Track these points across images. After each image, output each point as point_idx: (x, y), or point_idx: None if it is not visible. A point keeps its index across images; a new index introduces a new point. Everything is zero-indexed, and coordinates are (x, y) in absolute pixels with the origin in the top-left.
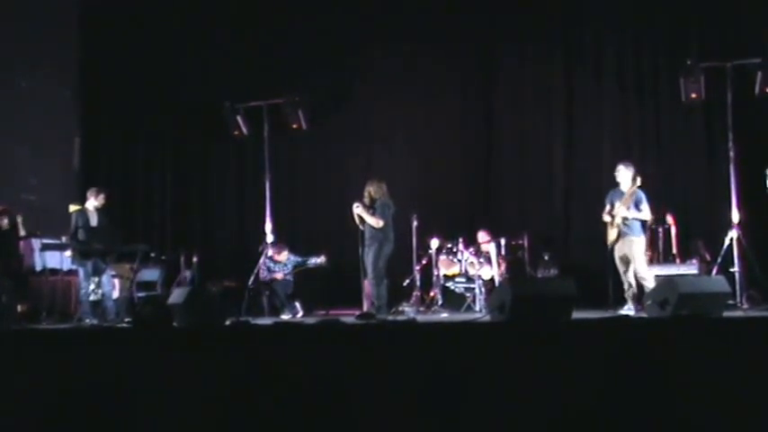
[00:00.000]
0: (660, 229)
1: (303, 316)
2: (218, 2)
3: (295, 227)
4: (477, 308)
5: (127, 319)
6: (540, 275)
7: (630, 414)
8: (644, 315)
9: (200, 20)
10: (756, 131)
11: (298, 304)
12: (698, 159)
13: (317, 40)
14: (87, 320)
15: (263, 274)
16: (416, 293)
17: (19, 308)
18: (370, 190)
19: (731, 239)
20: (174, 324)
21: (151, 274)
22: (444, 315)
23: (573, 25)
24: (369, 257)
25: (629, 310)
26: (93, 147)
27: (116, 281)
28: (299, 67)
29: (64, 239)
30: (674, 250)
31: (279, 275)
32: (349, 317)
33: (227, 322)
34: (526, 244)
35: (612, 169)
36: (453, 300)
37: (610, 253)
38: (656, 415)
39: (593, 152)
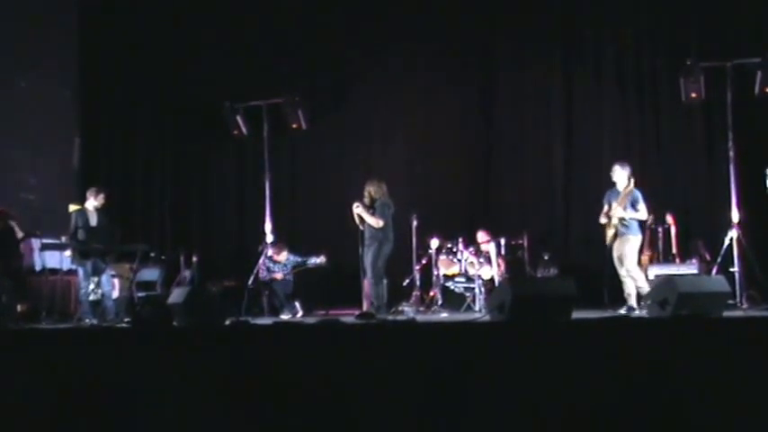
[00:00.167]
0: (660, 229)
1: (303, 316)
2: (218, 2)
3: (295, 227)
4: (477, 308)
5: (126, 319)
6: (539, 275)
7: (630, 414)
8: (643, 315)
9: (200, 20)
10: (756, 131)
11: (297, 304)
12: (698, 159)
13: (317, 40)
14: (87, 320)
15: (263, 274)
16: (416, 293)
17: (18, 307)
18: (371, 190)
19: (731, 239)
20: (174, 324)
21: (151, 273)
22: (444, 315)
23: (573, 25)
24: (368, 257)
25: (628, 309)
26: (93, 147)
27: (116, 281)
28: (299, 67)
29: (63, 239)
30: (674, 250)
31: (278, 275)
32: (349, 317)
33: (227, 322)
34: (526, 244)
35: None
36: (453, 300)
37: (608, 252)
38: (656, 415)
39: (592, 152)
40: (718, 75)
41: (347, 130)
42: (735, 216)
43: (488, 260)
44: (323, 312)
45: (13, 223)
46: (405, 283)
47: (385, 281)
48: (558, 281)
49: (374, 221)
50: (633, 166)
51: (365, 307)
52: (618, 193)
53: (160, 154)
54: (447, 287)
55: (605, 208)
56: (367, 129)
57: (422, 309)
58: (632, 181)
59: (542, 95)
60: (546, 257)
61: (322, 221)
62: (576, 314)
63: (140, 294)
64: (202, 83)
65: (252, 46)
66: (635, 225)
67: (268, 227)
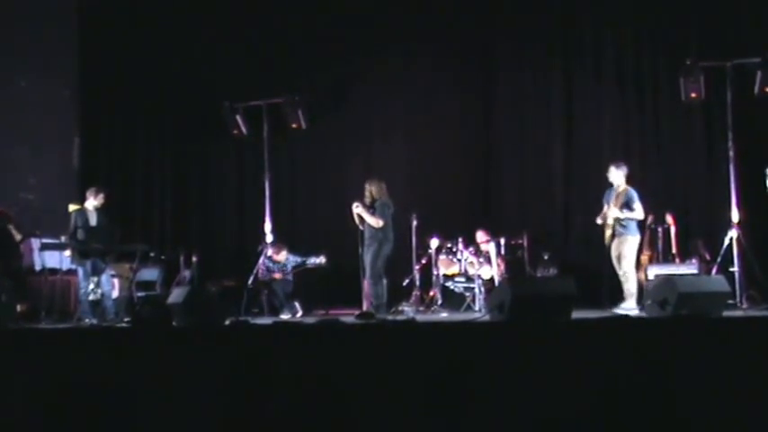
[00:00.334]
0: (660, 229)
1: (302, 316)
2: (218, 2)
3: (295, 227)
4: (477, 307)
5: (126, 319)
6: (539, 275)
7: (630, 414)
8: (643, 314)
9: (199, 20)
10: (756, 131)
11: (297, 304)
12: (698, 159)
13: (317, 40)
14: (86, 320)
15: (263, 274)
16: (416, 293)
17: (18, 307)
18: (372, 189)
19: (731, 239)
20: (174, 324)
21: (150, 273)
22: (444, 315)
23: (573, 25)
24: (368, 257)
25: (628, 309)
26: (93, 147)
27: (115, 280)
28: (298, 67)
29: (63, 239)
30: (674, 250)
31: (278, 275)
32: (348, 316)
33: (227, 322)
34: (525, 243)
35: None
36: (453, 299)
37: (608, 252)
38: (655, 415)
39: (592, 152)
40: (718, 74)
41: (347, 130)
42: (735, 216)
43: (488, 260)
44: (323, 312)
45: (10, 226)
46: (404, 283)
47: (385, 281)
48: (558, 280)
49: (374, 221)
50: (633, 165)
51: (365, 307)
52: (617, 193)
53: (160, 154)
54: (447, 287)
55: (604, 208)
56: (367, 129)
57: (422, 309)
58: (624, 180)
59: (542, 95)
60: (546, 257)
61: (322, 221)
62: (576, 314)
63: (140, 294)
64: (202, 83)
65: (252, 46)
66: (632, 225)
67: (268, 227)
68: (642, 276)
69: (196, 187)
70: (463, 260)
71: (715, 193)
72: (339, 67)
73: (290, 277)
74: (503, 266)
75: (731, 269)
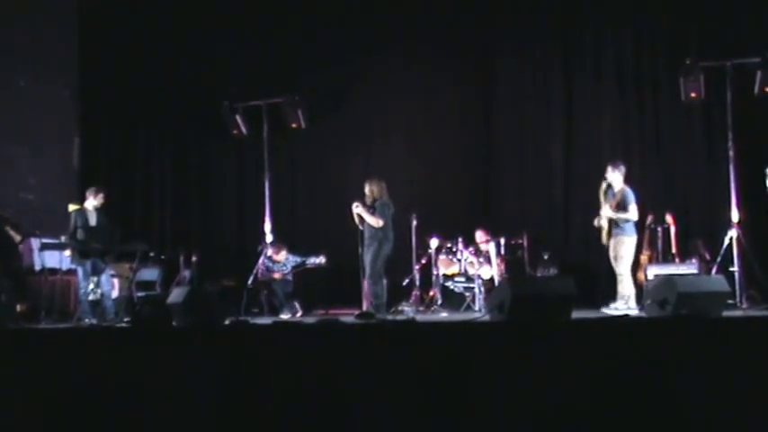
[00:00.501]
0: (659, 229)
1: (302, 315)
2: (217, 2)
3: (294, 227)
4: (477, 307)
5: (126, 319)
6: (539, 275)
7: (630, 414)
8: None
9: (199, 19)
10: (756, 131)
11: (297, 304)
12: (698, 159)
13: (317, 40)
14: (86, 320)
15: (262, 274)
16: (416, 293)
17: (18, 307)
18: (371, 189)
19: (731, 239)
20: (174, 323)
21: (150, 273)
22: (444, 314)
23: (573, 25)
24: (368, 257)
25: (628, 309)
26: (93, 147)
27: (115, 280)
28: (298, 67)
29: (63, 239)
30: (674, 250)
31: (277, 275)
32: (348, 316)
33: (227, 322)
34: (525, 243)
35: None
36: (453, 299)
37: (607, 252)
38: (655, 415)
39: (592, 152)
40: (717, 74)
41: (347, 130)
42: (734, 216)
43: (488, 260)
44: (322, 312)
45: (7, 227)
46: (404, 283)
47: (384, 280)
48: (558, 280)
49: (374, 221)
50: (633, 165)
51: (365, 307)
52: (613, 193)
53: (160, 154)
54: (447, 287)
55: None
56: (367, 129)
57: (421, 308)
58: (622, 180)
59: (542, 95)
60: (545, 257)
61: (322, 221)
62: (576, 314)
63: (140, 294)
64: (202, 83)
65: (252, 46)
66: (628, 226)
67: (268, 227)
68: (642, 276)
69: (196, 187)
70: (463, 260)
71: (715, 192)
72: (339, 67)
73: (289, 277)
74: (502, 266)
75: (731, 269)
